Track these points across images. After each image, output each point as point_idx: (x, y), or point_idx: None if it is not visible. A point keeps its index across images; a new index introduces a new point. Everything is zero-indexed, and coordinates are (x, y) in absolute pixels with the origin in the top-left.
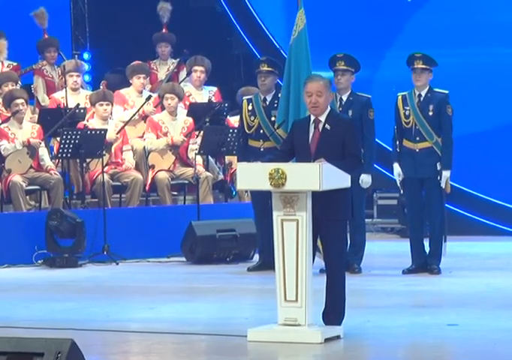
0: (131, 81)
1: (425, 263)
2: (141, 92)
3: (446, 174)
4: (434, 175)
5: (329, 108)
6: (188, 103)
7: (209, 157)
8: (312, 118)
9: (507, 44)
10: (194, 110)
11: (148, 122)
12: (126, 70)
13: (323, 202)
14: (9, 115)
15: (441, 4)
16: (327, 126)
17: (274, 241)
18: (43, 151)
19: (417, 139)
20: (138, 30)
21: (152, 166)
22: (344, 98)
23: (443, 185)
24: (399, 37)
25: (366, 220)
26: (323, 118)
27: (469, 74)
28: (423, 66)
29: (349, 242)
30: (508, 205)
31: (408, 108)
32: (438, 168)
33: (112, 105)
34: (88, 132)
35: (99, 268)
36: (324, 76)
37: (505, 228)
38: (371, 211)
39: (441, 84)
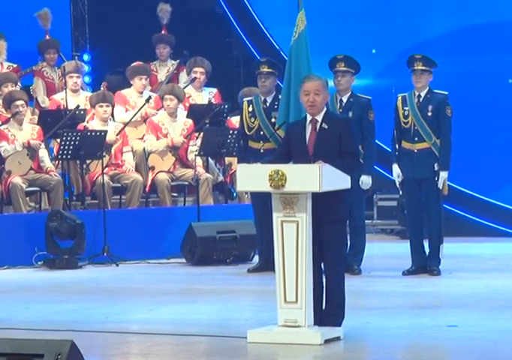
0: (131, 82)
1: (425, 264)
2: (142, 93)
3: (443, 175)
4: (431, 175)
5: (325, 108)
6: (187, 105)
7: (209, 159)
8: (309, 118)
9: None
10: (194, 112)
11: (148, 124)
12: (126, 71)
13: (322, 203)
14: (9, 116)
15: (441, 10)
16: (324, 125)
17: (274, 242)
18: (43, 153)
19: (416, 139)
20: (138, 31)
21: (152, 168)
22: (345, 99)
23: (440, 186)
24: (399, 39)
25: (366, 221)
26: (319, 118)
27: (469, 77)
28: (423, 67)
29: (349, 243)
30: (508, 206)
31: (407, 108)
32: (436, 169)
33: (112, 106)
34: (88, 133)
35: (99, 270)
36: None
37: (505, 229)
38: (371, 213)
39: (441, 86)
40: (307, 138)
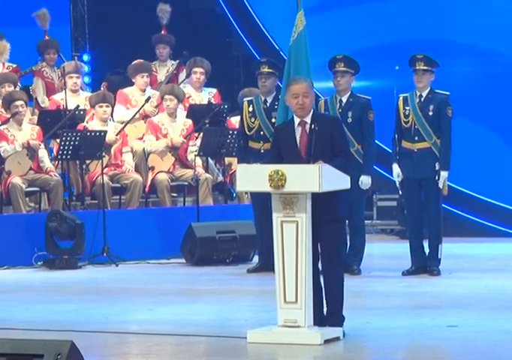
0: (133, 80)
1: (424, 264)
2: (144, 91)
3: (444, 174)
4: (431, 175)
5: (312, 109)
6: (187, 105)
7: (209, 159)
8: (297, 120)
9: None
10: (194, 112)
11: (147, 124)
12: (128, 69)
13: (322, 203)
14: (8, 116)
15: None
16: (314, 126)
17: (274, 242)
18: (42, 153)
19: (416, 139)
20: (137, 31)
21: (152, 168)
22: (344, 100)
23: (440, 186)
24: (400, 40)
25: (366, 221)
26: (308, 119)
27: (470, 77)
28: (425, 67)
29: (349, 244)
30: (508, 207)
31: (408, 108)
32: (436, 168)
33: (111, 106)
34: (88, 133)
35: (99, 270)
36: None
37: (505, 229)
38: (371, 213)
39: (442, 87)
40: (298, 140)
